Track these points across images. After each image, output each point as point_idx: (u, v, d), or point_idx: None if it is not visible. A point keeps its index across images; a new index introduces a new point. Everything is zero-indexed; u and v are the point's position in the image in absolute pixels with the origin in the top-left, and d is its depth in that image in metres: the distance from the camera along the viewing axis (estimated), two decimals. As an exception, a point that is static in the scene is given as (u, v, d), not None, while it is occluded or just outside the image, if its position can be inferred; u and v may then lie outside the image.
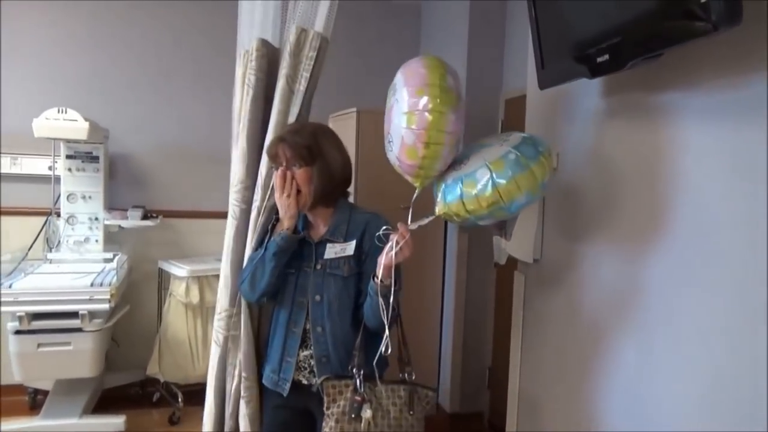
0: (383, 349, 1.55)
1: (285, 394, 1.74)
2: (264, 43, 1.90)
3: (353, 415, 1.55)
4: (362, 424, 1.55)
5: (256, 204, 1.87)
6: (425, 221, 1.55)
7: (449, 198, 1.50)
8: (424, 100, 1.44)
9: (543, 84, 1.66)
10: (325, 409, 1.59)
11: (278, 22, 1.96)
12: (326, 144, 1.69)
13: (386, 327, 1.54)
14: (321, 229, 1.75)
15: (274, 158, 1.72)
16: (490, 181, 1.42)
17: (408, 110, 1.44)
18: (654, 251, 1.43)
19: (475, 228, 3.28)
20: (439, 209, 1.54)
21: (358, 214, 1.74)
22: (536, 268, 1.98)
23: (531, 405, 2.02)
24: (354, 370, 1.60)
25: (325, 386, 1.60)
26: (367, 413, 1.56)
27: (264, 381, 1.81)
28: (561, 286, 1.84)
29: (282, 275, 1.72)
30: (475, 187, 1.44)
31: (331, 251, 1.69)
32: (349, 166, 1.76)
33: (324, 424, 1.59)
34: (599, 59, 1.32)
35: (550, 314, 1.90)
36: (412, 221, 1.55)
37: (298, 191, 1.67)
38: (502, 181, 1.42)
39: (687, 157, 1.33)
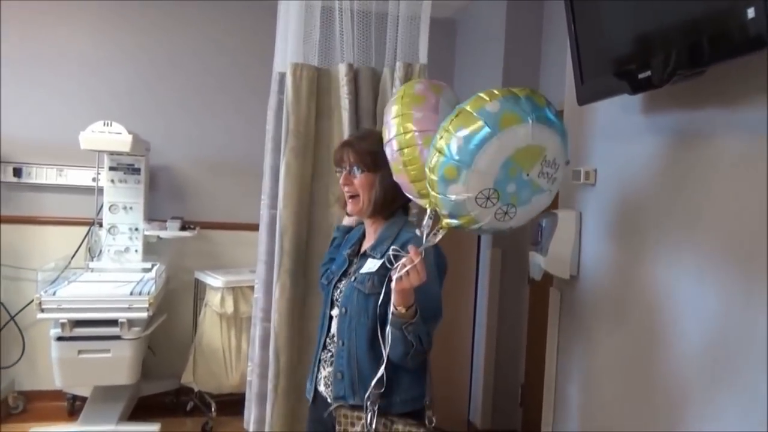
0: (373, 385, 1.48)
1: (310, 403, 1.75)
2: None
3: None
4: None
5: None
6: (436, 238, 1.43)
7: (443, 202, 1.37)
8: (391, 111, 1.49)
9: (582, 100, 1.66)
10: None
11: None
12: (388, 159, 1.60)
13: (384, 359, 1.46)
14: (370, 241, 1.70)
15: (338, 162, 1.70)
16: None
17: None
18: (696, 270, 1.40)
19: (508, 241, 3.27)
20: (443, 221, 1.43)
21: (405, 233, 1.64)
22: (573, 285, 1.96)
23: (568, 426, 1.99)
24: (369, 404, 1.50)
25: (337, 415, 1.56)
26: None
27: (306, 394, 1.80)
28: (599, 304, 1.82)
29: None
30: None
31: (367, 266, 1.63)
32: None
33: None
34: (641, 75, 1.31)
35: (587, 332, 1.88)
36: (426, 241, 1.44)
37: (355, 196, 1.65)
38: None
39: (727, 175, 1.31)
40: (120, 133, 2.99)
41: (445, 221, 1.40)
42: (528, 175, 1.28)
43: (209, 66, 3.68)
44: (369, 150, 1.63)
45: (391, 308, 1.45)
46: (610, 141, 1.80)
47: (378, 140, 1.62)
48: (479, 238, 3.42)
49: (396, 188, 1.60)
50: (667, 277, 1.50)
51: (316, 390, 1.73)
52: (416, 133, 1.45)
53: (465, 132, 1.28)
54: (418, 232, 1.47)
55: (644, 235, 1.61)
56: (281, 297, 2.07)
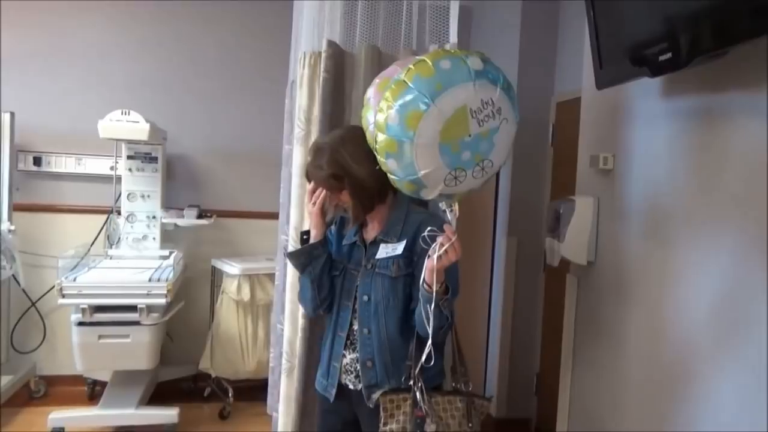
0: (423, 359, 1.48)
1: (331, 400, 1.71)
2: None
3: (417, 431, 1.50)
4: None
5: None
6: (456, 214, 1.47)
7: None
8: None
9: (601, 84, 1.65)
10: (382, 425, 1.54)
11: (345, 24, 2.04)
12: (349, 160, 1.60)
13: (430, 336, 1.47)
14: (376, 228, 1.71)
15: (316, 187, 1.71)
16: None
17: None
18: (718, 256, 1.39)
19: (523, 230, 3.26)
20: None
21: (414, 214, 1.68)
22: (590, 271, 1.95)
23: (584, 414, 1.99)
24: (411, 383, 1.53)
25: (382, 401, 1.55)
26: (431, 428, 1.50)
27: (316, 386, 1.80)
28: (616, 289, 1.82)
29: (327, 285, 1.72)
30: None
31: (383, 251, 1.64)
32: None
33: None
34: (661, 57, 1.30)
35: (604, 318, 1.88)
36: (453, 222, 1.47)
37: (343, 206, 1.67)
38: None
39: (747, 159, 1.29)
40: (138, 122, 3.02)
41: (448, 202, 1.45)
42: (470, 135, 1.29)
43: (225, 56, 3.69)
44: (327, 175, 1.61)
45: (424, 287, 1.48)
46: (629, 126, 1.79)
47: (330, 157, 1.60)
48: (494, 227, 3.42)
49: (366, 189, 1.61)
50: (686, 262, 1.49)
51: (339, 384, 1.71)
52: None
53: (391, 155, 1.34)
54: (444, 209, 1.49)
55: (662, 220, 1.60)
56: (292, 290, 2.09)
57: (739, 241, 1.32)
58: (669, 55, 1.28)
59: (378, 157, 1.43)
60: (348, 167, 1.59)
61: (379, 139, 1.35)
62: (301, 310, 1.95)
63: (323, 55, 1.97)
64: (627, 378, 1.74)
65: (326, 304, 1.73)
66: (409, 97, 1.28)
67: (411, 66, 1.31)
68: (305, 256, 1.70)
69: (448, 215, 1.47)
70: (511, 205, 3.30)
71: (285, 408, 2.15)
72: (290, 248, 1.99)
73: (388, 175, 1.44)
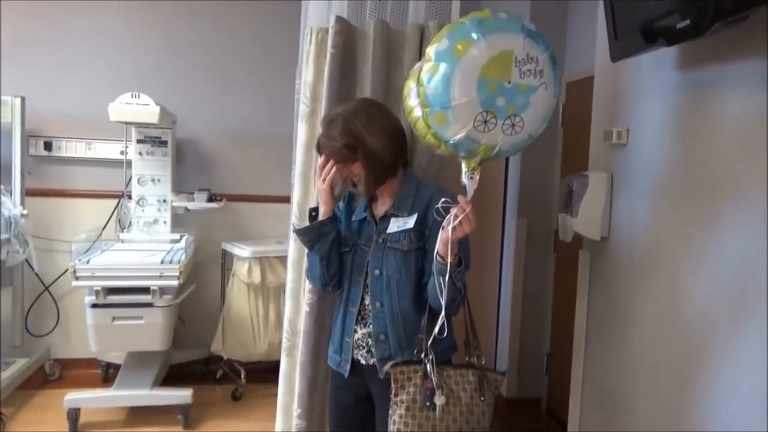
0: (437, 331, 1.49)
1: (346, 375, 1.72)
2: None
3: (427, 404, 1.51)
4: (436, 412, 1.50)
5: None
6: (475, 182, 1.47)
7: (453, 147, 1.42)
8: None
9: (616, 56, 1.64)
10: (393, 396, 1.55)
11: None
12: (363, 131, 1.60)
13: (443, 308, 1.48)
14: (387, 203, 1.71)
15: (327, 159, 1.70)
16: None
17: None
18: (735, 229, 1.39)
19: (533, 210, 3.26)
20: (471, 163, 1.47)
21: (424, 188, 1.69)
22: (603, 246, 1.95)
23: (597, 392, 2.00)
24: (422, 355, 1.54)
25: (393, 372, 1.55)
26: (440, 400, 1.51)
27: (329, 362, 1.82)
28: (630, 265, 1.82)
29: (336, 261, 1.72)
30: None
31: (395, 225, 1.65)
32: (397, 139, 1.67)
33: (392, 411, 1.55)
34: (679, 25, 1.29)
35: (618, 294, 1.88)
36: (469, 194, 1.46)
37: (360, 178, 1.66)
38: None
39: (763, 129, 1.29)
40: (148, 105, 3.02)
41: (471, 162, 1.44)
42: (510, 82, 1.32)
43: (234, 38, 3.68)
44: (341, 145, 1.61)
45: (437, 258, 1.48)
46: (643, 100, 1.78)
47: (344, 128, 1.60)
48: (504, 207, 3.42)
49: (381, 161, 1.62)
50: (702, 235, 1.49)
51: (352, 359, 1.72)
52: (416, 107, 1.48)
53: (431, 78, 1.35)
54: (465, 179, 1.49)
55: (677, 193, 1.59)
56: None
57: (758, 213, 1.31)
58: (687, 22, 1.26)
59: (412, 88, 1.45)
60: (362, 137, 1.60)
61: (426, 60, 1.37)
62: (307, 286, 1.95)
63: (331, 31, 1.95)
64: (642, 354, 1.74)
65: (335, 281, 1.75)
66: (462, 29, 1.33)
67: (470, 13, 1.38)
68: (314, 233, 1.70)
69: (467, 182, 1.46)
70: (521, 186, 3.30)
71: (285, 387, 2.15)
72: (294, 224, 2.00)
73: (417, 111, 1.44)
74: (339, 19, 1.97)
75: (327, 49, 1.98)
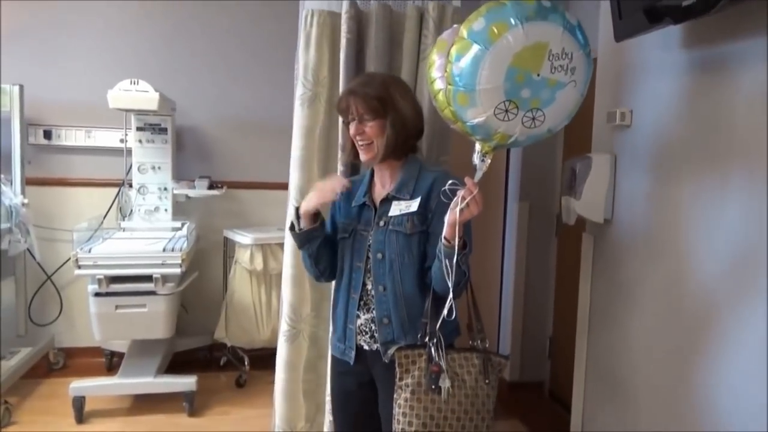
0: (445, 313, 1.49)
1: (351, 363, 1.71)
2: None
3: (432, 386, 1.50)
4: (442, 395, 1.50)
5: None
6: (486, 164, 1.46)
7: (470, 128, 1.40)
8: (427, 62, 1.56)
9: (620, 36, 1.62)
10: (397, 380, 1.54)
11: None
12: (397, 94, 1.63)
13: (451, 290, 1.47)
14: (388, 185, 1.70)
15: (344, 112, 1.68)
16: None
17: None
18: (739, 211, 1.38)
19: (534, 194, 3.25)
20: (484, 146, 1.45)
21: (426, 172, 1.67)
22: (607, 229, 1.95)
23: (601, 374, 2.00)
24: (426, 339, 1.54)
25: (397, 356, 1.54)
26: (446, 383, 1.50)
27: (332, 351, 1.80)
28: (633, 246, 1.81)
29: (326, 257, 1.74)
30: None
31: (397, 208, 1.63)
32: (421, 117, 1.71)
33: (396, 395, 1.54)
34: (685, 3, 1.27)
35: (621, 276, 1.87)
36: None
37: (370, 143, 1.64)
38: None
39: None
40: (147, 91, 3.00)
41: (486, 146, 1.43)
42: (539, 75, 1.28)
43: (231, 24, 3.65)
44: (375, 95, 1.60)
45: (443, 242, 1.47)
46: (647, 80, 1.76)
47: (382, 83, 1.64)
48: (506, 192, 3.41)
49: (406, 129, 1.64)
50: (706, 217, 1.48)
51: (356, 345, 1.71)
52: (438, 79, 1.46)
53: (461, 57, 1.31)
54: (476, 159, 1.48)
55: (681, 175, 1.58)
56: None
57: (763, 195, 1.30)
58: (693, 0, 1.25)
59: (436, 60, 1.45)
60: (396, 100, 1.62)
61: (459, 37, 1.33)
62: None
63: (345, 16, 1.95)
64: (645, 337, 1.74)
65: (327, 273, 1.78)
66: (501, 12, 1.29)
67: None
68: (303, 237, 1.72)
69: (477, 164, 1.45)
70: (522, 170, 3.28)
71: (290, 374, 2.16)
72: (292, 209, 1.98)
73: (439, 83, 1.42)
74: (352, 3, 1.96)
75: (330, 33, 1.97)
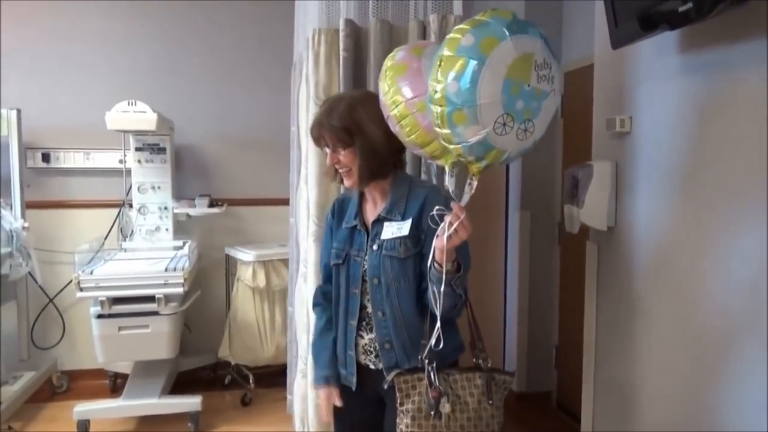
0: (433, 343, 1.43)
1: (353, 388, 1.68)
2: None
3: (432, 412, 1.46)
4: (442, 420, 1.46)
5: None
6: (473, 188, 1.41)
7: (466, 149, 1.36)
8: (381, 89, 1.51)
9: (617, 43, 1.62)
10: (398, 405, 1.51)
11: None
12: (364, 118, 1.56)
13: (438, 318, 1.43)
14: (378, 206, 1.65)
15: (317, 141, 1.65)
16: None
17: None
18: (742, 218, 1.37)
19: (536, 203, 3.25)
20: (473, 168, 1.42)
21: (417, 189, 1.63)
22: (610, 237, 1.94)
23: (609, 384, 1.98)
24: (426, 362, 1.49)
25: (397, 381, 1.51)
26: (446, 408, 1.47)
27: (341, 380, 1.74)
28: (638, 254, 1.80)
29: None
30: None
31: (389, 231, 1.59)
32: (393, 136, 1.58)
33: (399, 420, 1.51)
34: (681, 8, 1.27)
35: (627, 284, 1.86)
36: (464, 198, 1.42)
37: (349, 170, 1.60)
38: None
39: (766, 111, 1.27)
40: (145, 112, 3.01)
41: (475, 167, 1.39)
42: (529, 85, 1.28)
43: (230, 43, 3.67)
44: (340, 126, 1.56)
45: (434, 266, 1.44)
46: (645, 87, 1.76)
47: (347, 108, 1.57)
48: (507, 201, 3.40)
49: (376, 153, 1.57)
50: (711, 222, 1.47)
51: (359, 366, 1.68)
52: (406, 102, 1.44)
53: (455, 74, 1.27)
54: (448, 184, 1.46)
55: (684, 180, 1.58)
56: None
57: (761, 199, 1.30)
58: (689, 5, 1.25)
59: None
60: (363, 125, 1.55)
61: (445, 56, 1.30)
62: None
63: (341, 34, 1.98)
64: (654, 347, 1.72)
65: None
66: (487, 27, 1.28)
67: (487, 11, 1.34)
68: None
69: (466, 191, 1.41)
70: (523, 179, 3.28)
71: (303, 406, 2.14)
72: (313, 227, 1.96)
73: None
74: (348, 22, 2.00)
75: (338, 51, 2.00)
